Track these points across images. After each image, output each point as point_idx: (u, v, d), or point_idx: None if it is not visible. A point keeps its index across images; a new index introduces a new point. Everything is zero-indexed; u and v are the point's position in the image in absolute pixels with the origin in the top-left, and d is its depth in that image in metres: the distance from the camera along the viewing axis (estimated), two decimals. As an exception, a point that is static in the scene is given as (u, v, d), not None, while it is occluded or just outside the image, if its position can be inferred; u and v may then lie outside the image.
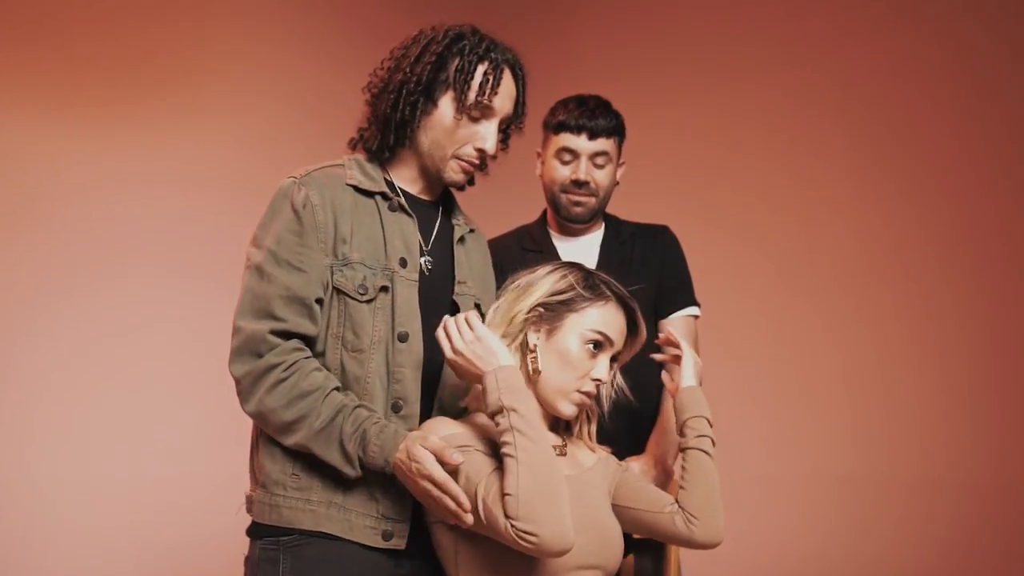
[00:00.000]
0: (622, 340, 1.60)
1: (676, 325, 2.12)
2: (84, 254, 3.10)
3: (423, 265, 1.64)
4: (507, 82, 1.64)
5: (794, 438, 3.37)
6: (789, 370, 3.41)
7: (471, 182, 1.71)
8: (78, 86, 3.14)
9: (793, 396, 3.39)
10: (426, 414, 1.59)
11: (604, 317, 1.57)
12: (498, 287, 2.14)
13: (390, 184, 1.66)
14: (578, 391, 1.55)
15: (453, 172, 1.65)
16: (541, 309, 1.56)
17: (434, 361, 1.60)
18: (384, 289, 1.57)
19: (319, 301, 1.54)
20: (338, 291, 1.55)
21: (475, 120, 1.62)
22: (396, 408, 1.56)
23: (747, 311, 3.46)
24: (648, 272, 2.16)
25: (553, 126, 2.18)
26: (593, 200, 2.17)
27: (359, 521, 1.52)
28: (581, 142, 2.14)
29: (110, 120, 3.19)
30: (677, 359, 1.73)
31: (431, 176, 1.67)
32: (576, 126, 2.14)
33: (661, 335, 1.76)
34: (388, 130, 1.63)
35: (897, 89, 3.32)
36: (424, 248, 1.66)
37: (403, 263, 1.60)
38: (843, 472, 3.26)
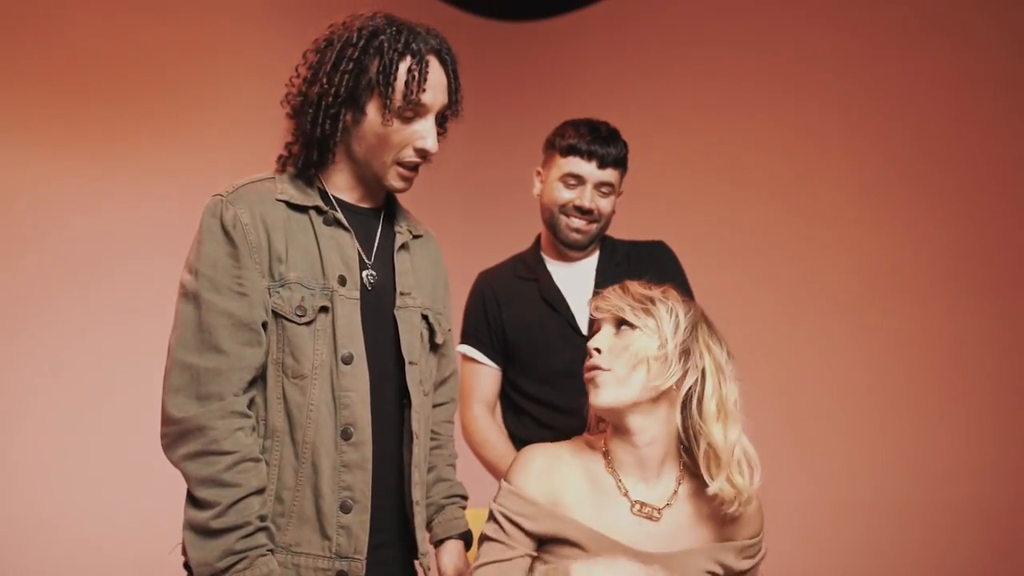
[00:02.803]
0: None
1: None
2: (69, 265, 3.09)
3: (365, 279, 1.53)
4: (435, 72, 1.52)
5: (816, 464, 3.32)
6: (810, 396, 3.37)
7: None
8: (83, 123, 3.15)
9: (815, 422, 3.34)
10: (378, 438, 1.49)
11: None
12: (495, 319, 2.13)
13: (324, 195, 1.55)
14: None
15: (396, 180, 1.54)
16: None
17: (382, 382, 1.51)
18: (324, 310, 1.47)
19: (264, 325, 1.44)
20: (277, 314, 1.45)
21: (408, 121, 1.50)
22: (346, 435, 1.46)
23: (767, 336, 3.42)
24: None
25: (562, 148, 2.11)
26: (594, 227, 2.12)
27: (309, 563, 1.43)
28: (590, 169, 2.08)
29: (96, 130, 3.19)
30: None
31: (370, 184, 1.57)
32: (587, 152, 2.08)
33: None
34: (312, 147, 1.52)
35: (896, 113, 3.30)
36: (366, 261, 1.55)
37: (342, 281, 1.49)
38: (867, 498, 3.20)
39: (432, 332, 1.63)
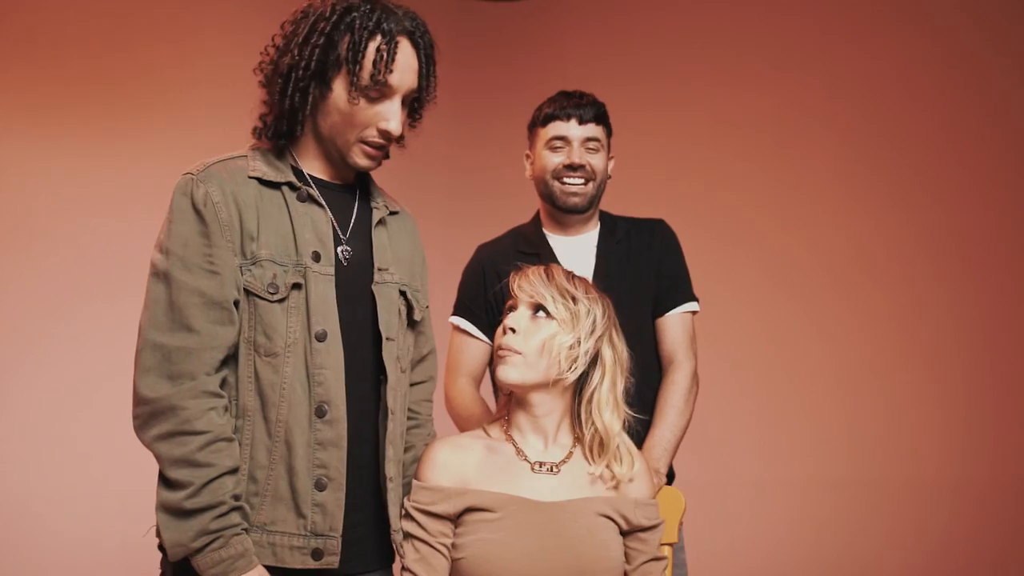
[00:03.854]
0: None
1: (674, 323, 2.12)
2: (80, 271, 3.09)
3: (341, 255, 1.52)
4: (405, 54, 1.49)
5: (787, 442, 3.37)
6: (782, 374, 3.40)
7: (387, 155, 1.60)
8: (73, 103, 3.13)
9: (786, 400, 3.38)
10: (353, 416, 1.48)
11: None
12: (494, 294, 2.10)
13: (299, 172, 1.53)
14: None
15: (359, 157, 1.52)
16: None
17: (357, 358, 1.50)
18: (297, 287, 1.45)
19: (236, 303, 1.43)
20: (248, 292, 1.43)
21: (374, 100, 1.48)
22: (320, 413, 1.45)
23: (738, 315, 3.44)
24: (646, 267, 2.14)
25: (541, 119, 2.16)
26: (590, 186, 2.12)
27: (284, 542, 1.43)
28: (571, 128, 2.12)
29: (104, 136, 3.18)
30: None
31: (335, 160, 1.55)
32: (565, 113, 2.12)
33: None
34: (282, 118, 1.50)
35: (887, 91, 3.33)
36: (341, 237, 1.54)
37: (316, 257, 1.48)
38: (837, 476, 3.25)
39: (410, 308, 1.62)
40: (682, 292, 2.16)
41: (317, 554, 1.43)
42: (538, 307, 1.62)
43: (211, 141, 3.31)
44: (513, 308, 1.65)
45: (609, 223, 2.22)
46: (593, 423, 1.62)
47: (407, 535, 1.55)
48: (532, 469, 1.61)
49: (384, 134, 1.50)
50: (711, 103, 3.64)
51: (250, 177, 1.48)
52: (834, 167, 3.42)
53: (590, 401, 1.63)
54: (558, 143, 2.13)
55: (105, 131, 3.21)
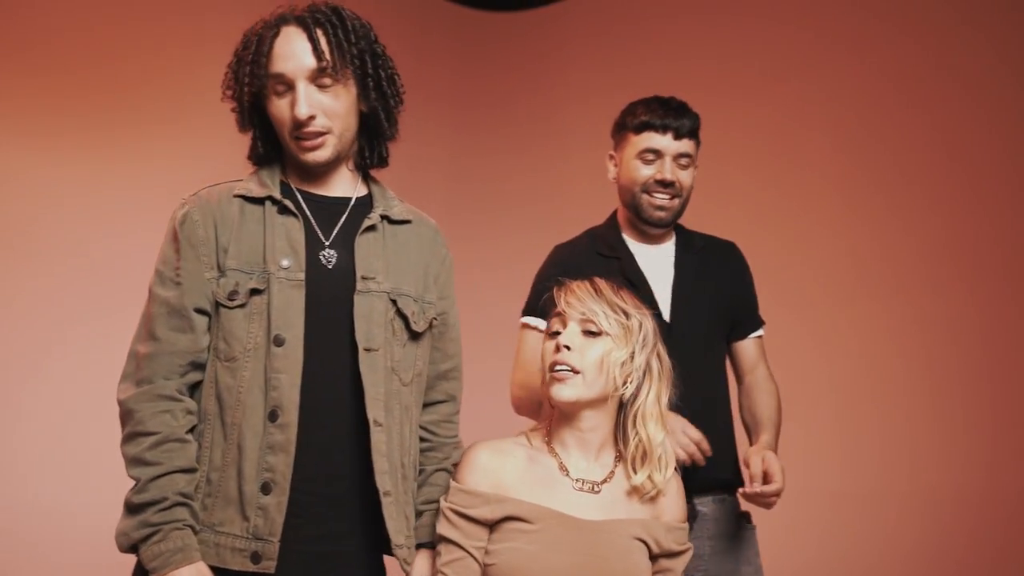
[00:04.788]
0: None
1: (752, 345, 2.22)
2: (89, 279, 3.10)
3: (324, 260, 1.54)
4: (286, 40, 1.50)
5: (782, 453, 3.34)
6: (778, 384, 3.41)
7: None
8: (75, 113, 3.15)
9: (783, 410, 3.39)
10: (321, 424, 1.50)
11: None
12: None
13: (287, 187, 1.58)
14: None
15: (299, 153, 1.54)
16: None
17: (333, 366, 1.51)
18: (256, 292, 1.49)
19: (199, 311, 1.49)
20: (217, 303, 1.49)
21: (282, 94, 1.51)
22: (272, 417, 1.46)
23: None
24: (721, 288, 2.16)
25: (635, 126, 2.12)
26: (676, 202, 2.12)
27: (228, 543, 1.45)
28: (666, 142, 2.09)
29: (107, 149, 3.21)
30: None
31: (318, 171, 1.58)
32: (662, 125, 2.09)
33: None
34: (254, 142, 1.60)
35: (884, 100, 3.34)
36: (324, 242, 1.55)
37: (286, 264, 1.50)
38: (833, 487, 3.24)
39: (406, 320, 1.58)
40: (756, 318, 2.25)
41: (256, 557, 1.44)
42: (589, 323, 1.62)
43: (216, 150, 3.34)
44: (562, 324, 1.64)
45: (685, 235, 2.23)
46: (638, 434, 1.62)
47: (442, 537, 1.56)
48: (573, 486, 1.61)
49: (295, 121, 1.50)
50: (709, 112, 3.61)
51: (235, 196, 1.54)
52: (831, 176, 3.43)
53: (636, 414, 1.63)
54: (650, 156, 2.10)
55: (109, 140, 3.23)
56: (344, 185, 1.61)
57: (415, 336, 1.60)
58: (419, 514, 1.64)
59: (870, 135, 3.37)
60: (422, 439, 1.66)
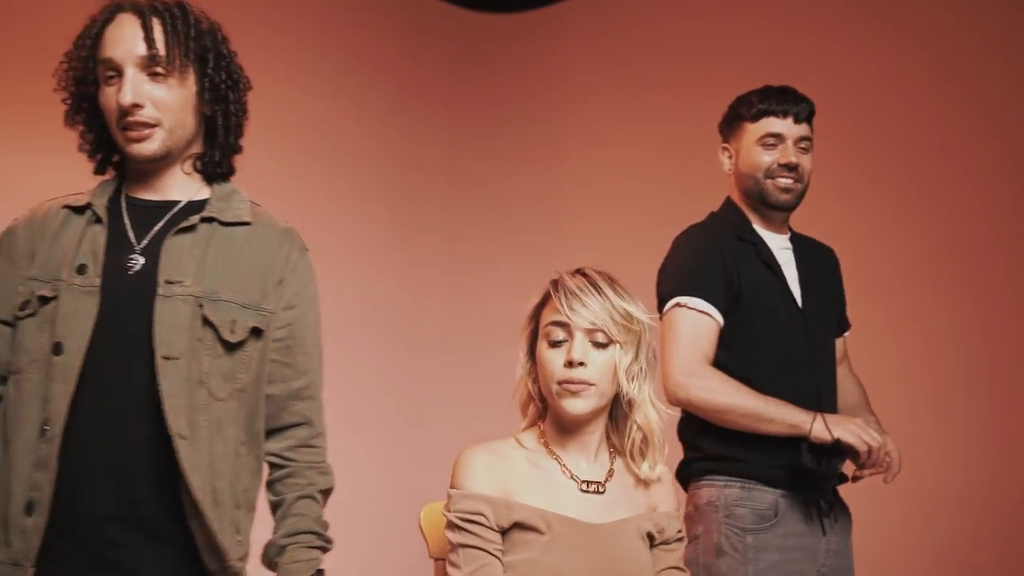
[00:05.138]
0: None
1: (840, 345, 2.30)
2: None
3: (129, 264, 1.43)
4: (118, 26, 1.44)
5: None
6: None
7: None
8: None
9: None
10: (86, 437, 1.37)
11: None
12: (733, 275, 2.02)
13: (115, 196, 1.51)
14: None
15: (125, 144, 1.46)
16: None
17: (133, 376, 1.39)
18: (44, 300, 1.41)
19: (5, 322, 1.44)
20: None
21: (112, 82, 1.44)
22: (42, 432, 1.36)
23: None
24: (830, 287, 2.26)
25: (752, 114, 2.14)
26: (800, 186, 2.14)
27: None
28: (787, 126, 2.11)
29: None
30: None
31: (144, 169, 1.50)
32: (781, 110, 2.11)
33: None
34: (85, 144, 1.54)
35: (885, 103, 3.33)
36: (135, 247, 1.45)
37: (81, 270, 1.41)
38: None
39: (215, 328, 1.43)
40: (847, 318, 2.36)
41: None
42: (598, 332, 1.57)
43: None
44: (567, 333, 1.58)
45: (792, 230, 2.26)
46: (637, 424, 1.61)
47: (458, 545, 1.50)
48: (580, 488, 1.58)
49: (120, 108, 1.43)
50: (708, 115, 3.63)
51: (63, 207, 1.50)
52: (831, 179, 3.41)
53: (631, 404, 1.61)
54: (771, 140, 2.12)
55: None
56: (178, 189, 1.52)
57: (231, 347, 1.45)
58: (282, 549, 1.49)
59: (870, 135, 3.36)
60: (277, 466, 1.52)
